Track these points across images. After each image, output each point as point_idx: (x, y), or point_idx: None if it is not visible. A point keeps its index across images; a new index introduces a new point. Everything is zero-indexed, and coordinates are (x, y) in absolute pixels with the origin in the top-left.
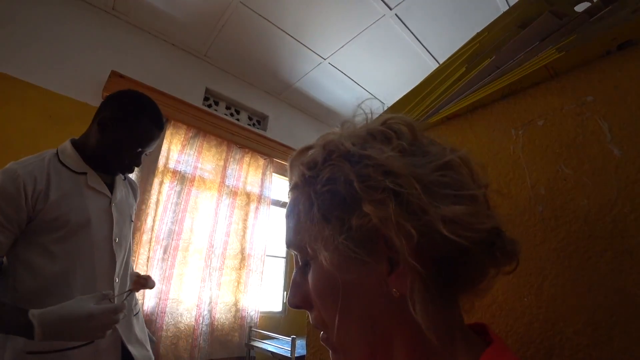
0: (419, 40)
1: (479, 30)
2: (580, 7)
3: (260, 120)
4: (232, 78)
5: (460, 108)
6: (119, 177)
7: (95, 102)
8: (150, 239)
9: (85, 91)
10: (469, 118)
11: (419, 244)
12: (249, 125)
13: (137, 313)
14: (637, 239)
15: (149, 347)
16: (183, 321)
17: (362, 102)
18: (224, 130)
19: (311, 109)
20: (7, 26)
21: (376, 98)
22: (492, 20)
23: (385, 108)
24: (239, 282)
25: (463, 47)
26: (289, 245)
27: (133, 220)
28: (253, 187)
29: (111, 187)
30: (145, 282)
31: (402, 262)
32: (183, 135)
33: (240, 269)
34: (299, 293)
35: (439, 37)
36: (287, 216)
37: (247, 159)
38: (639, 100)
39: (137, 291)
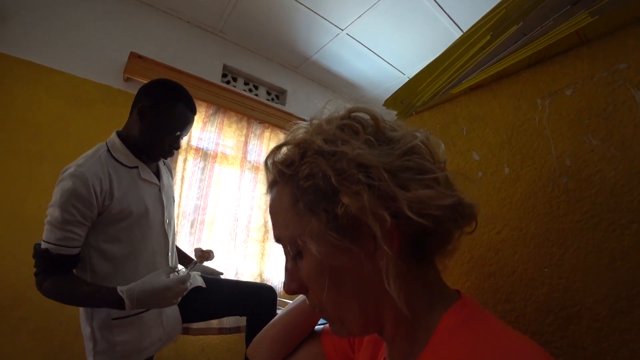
0: (440, 7)
1: None
2: None
3: (278, 94)
4: (249, 53)
5: (484, 78)
6: (161, 164)
7: (117, 84)
8: (178, 214)
9: (106, 74)
10: (493, 88)
11: (393, 225)
12: (268, 100)
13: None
14: None
15: (198, 275)
16: None
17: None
18: (243, 106)
19: (329, 81)
20: (26, 14)
21: (396, 69)
22: None
23: (406, 79)
24: (263, 254)
25: (488, 14)
26: (279, 239)
27: (175, 200)
28: None
29: (157, 174)
30: (207, 255)
31: (378, 243)
32: (204, 113)
33: (264, 241)
34: (294, 280)
35: (461, 3)
36: (272, 212)
37: (267, 134)
38: None
39: (201, 263)
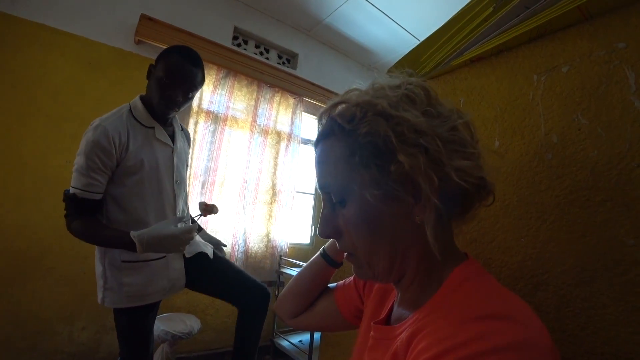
0: None
1: None
2: None
3: (289, 58)
4: (261, 15)
5: (485, 51)
6: (177, 129)
7: (129, 47)
8: (189, 175)
9: (118, 37)
10: (493, 61)
11: (437, 186)
12: (279, 64)
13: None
14: (638, 192)
15: (210, 246)
16: None
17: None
18: (254, 69)
19: (342, 46)
20: None
21: (411, 34)
22: None
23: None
24: (270, 215)
25: None
26: (325, 187)
27: (188, 165)
28: (283, 126)
29: (172, 138)
30: (211, 209)
31: (424, 198)
32: (214, 76)
33: (271, 203)
34: (330, 225)
35: None
36: (322, 162)
37: (277, 98)
38: None
39: (206, 216)
